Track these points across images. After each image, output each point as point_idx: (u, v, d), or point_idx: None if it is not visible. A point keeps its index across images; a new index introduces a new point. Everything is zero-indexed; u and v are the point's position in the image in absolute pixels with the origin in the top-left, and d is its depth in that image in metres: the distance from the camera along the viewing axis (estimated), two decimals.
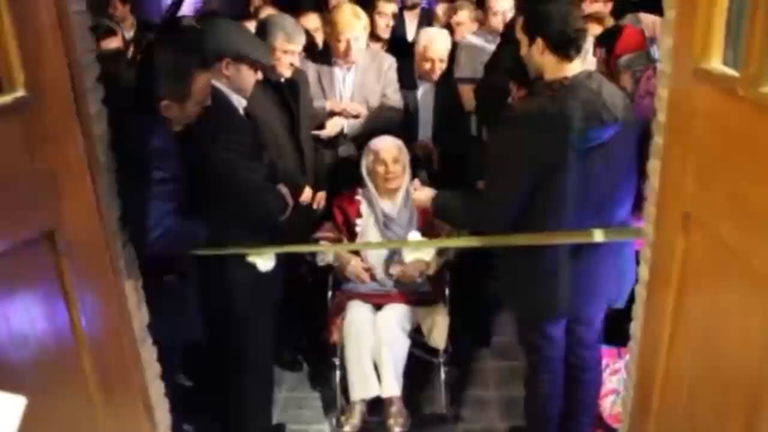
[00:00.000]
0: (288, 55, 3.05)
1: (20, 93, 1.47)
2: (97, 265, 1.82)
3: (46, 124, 1.58)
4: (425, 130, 3.75)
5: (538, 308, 2.52)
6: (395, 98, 3.64)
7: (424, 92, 3.78)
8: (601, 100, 2.20)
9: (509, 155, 2.28)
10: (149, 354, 2.15)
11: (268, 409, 3.05)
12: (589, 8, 3.93)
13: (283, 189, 2.70)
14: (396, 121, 3.59)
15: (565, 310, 2.50)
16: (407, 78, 3.72)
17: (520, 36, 2.34)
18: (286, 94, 3.15)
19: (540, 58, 2.27)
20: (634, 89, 3.19)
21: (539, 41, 2.24)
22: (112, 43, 3.90)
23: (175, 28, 3.90)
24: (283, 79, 3.11)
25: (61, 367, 1.69)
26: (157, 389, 2.19)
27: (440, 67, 3.68)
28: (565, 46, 2.22)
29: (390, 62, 3.67)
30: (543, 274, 2.40)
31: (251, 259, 2.54)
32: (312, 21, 3.87)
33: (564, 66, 2.25)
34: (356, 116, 3.51)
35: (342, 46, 3.43)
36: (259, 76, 2.68)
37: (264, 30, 3.01)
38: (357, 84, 3.54)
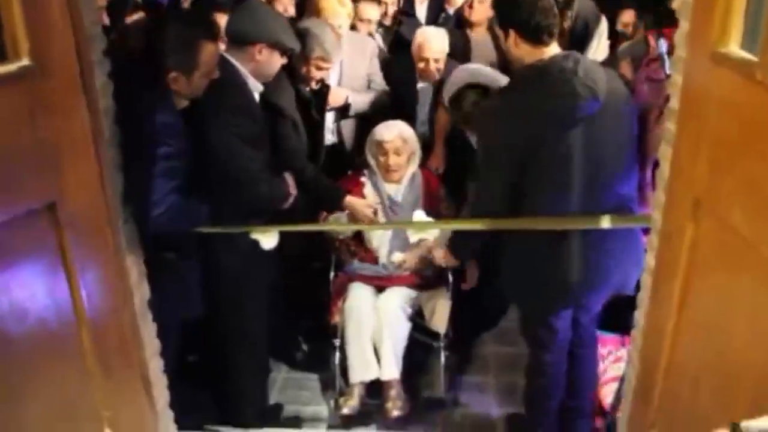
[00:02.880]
0: (320, 71, 3.02)
1: (25, 62, 1.46)
2: (99, 239, 1.81)
3: (50, 95, 1.56)
4: (422, 128, 3.64)
5: (546, 300, 2.49)
6: (381, 82, 3.61)
7: (422, 90, 3.67)
8: (578, 78, 2.17)
9: (490, 144, 2.32)
10: (149, 330, 2.14)
11: (263, 388, 3.06)
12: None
13: (289, 178, 2.68)
14: (385, 104, 3.56)
15: (572, 299, 2.49)
16: (407, 73, 3.63)
17: (498, 31, 2.35)
18: (311, 101, 3.13)
19: (516, 49, 2.27)
20: (633, 76, 3.17)
21: (512, 33, 2.25)
22: (138, 19, 3.88)
23: (205, 5, 3.85)
24: (308, 89, 3.08)
25: (61, 341, 1.68)
26: (156, 366, 2.19)
27: (436, 68, 3.53)
28: (536, 34, 2.21)
29: (372, 46, 3.63)
30: (550, 264, 2.37)
31: (254, 236, 2.53)
32: None
33: (540, 51, 2.25)
34: (344, 107, 3.45)
35: None
36: (284, 61, 2.65)
37: (302, 38, 2.88)
38: (343, 70, 3.48)
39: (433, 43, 3.50)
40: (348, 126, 3.59)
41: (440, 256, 2.85)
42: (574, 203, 2.26)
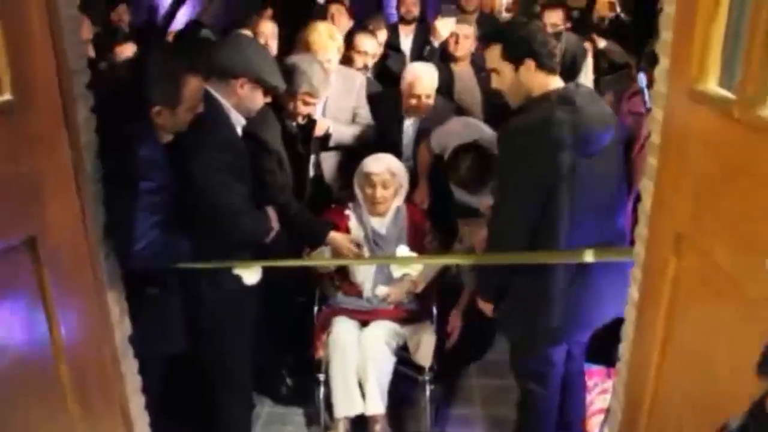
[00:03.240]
0: (307, 106, 3.01)
1: (6, 96, 1.45)
2: (80, 274, 1.79)
3: (32, 129, 1.55)
4: (407, 163, 3.62)
5: (546, 333, 2.45)
6: (367, 116, 3.63)
7: (408, 126, 3.69)
8: (597, 106, 2.24)
9: (516, 176, 2.27)
10: (130, 366, 2.10)
11: (248, 424, 3.01)
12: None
13: (271, 212, 2.66)
14: (370, 138, 3.59)
15: (573, 331, 2.48)
16: (393, 108, 3.65)
17: (500, 65, 2.33)
18: (297, 136, 3.12)
19: (531, 79, 2.29)
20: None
21: (528, 63, 2.26)
22: (127, 50, 3.89)
23: (191, 39, 3.86)
24: (294, 123, 3.08)
25: (39, 378, 1.65)
26: (137, 402, 2.15)
27: (427, 103, 3.56)
28: (552, 60, 2.27)
29: (361, 80, 3.65)
30: (552, 297, 2.35)
31: (237, 271, 2.51)
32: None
33: (551, 80, 2.29)
34: (324, 136, 3.45)
35: None
36: (269, 99, 2.65)
37: (290, 74, 2.90)
38: (328, 102, 3.49)
39: (425, 80, 3.54)
40: (329, 159, 3.58)
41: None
42: (590, 235, 2.26)
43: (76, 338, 1.74)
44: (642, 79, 2.92)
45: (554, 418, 2.67)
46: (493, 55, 2.35)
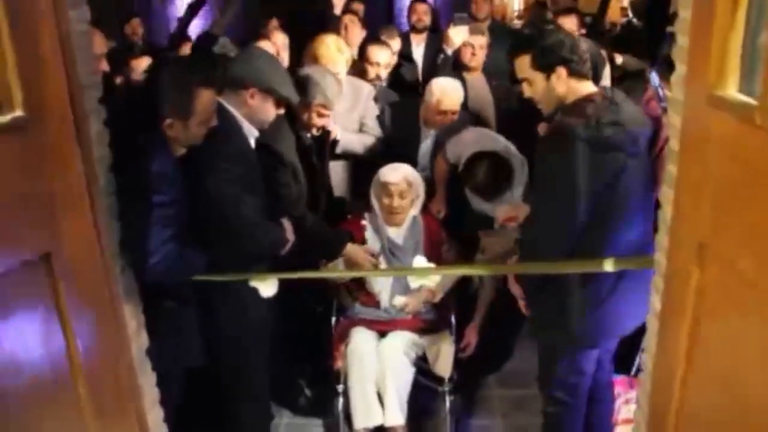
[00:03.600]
0: (322, 118, 3.00)
1: (18, 113, 1.45)
2: (95, 289, 1.79)
3: (45, 145, 1.55)
4: (423, 173, 3.61)
5: (583, 336, 2.40)
6: (374, 126, 3.64)
7: (425, 136, 3.70)
8: (635, 108, 2.22)
9: (564, 176, 2.19)
10: (148, 380, 2.10)
11: None
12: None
13: (287, 224, 2.66)
14: (378, 147, 3.60)
15: (608, 336, 2.43)
16: (412, 118, 3.66)
17: (531, 74, 2.31)
18: (312, 148, 3.11)
19: (564, 86, 2.26)
20: None
21: (560, 70, 2.24)
22: (143, 64, 3.93)
23: (204, 52, 3.88)
24: (309, 135, 3.07)
25: (56, 393, 1.65)
26: (155, 416, 2.14)
27: (452, 118, 3.59)
28: (584, 66, 2.25)
29: (368, 90, 3.65)
30: (593, 299, 2.31)
31: (253, 284, 2.50)
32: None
33: (583, 85, 2.27)
34: (332, 143, 3.44)
35: None
36: (281, 111, 2.64)
37: (304, 85, 2.90)
38: (335, 111, 3.45)
39: (453, 97, 3.57)
40: (336, 168, 3.58)
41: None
42: (632, 242, 2.23)
43: (92, 352, 1.73)
44: (654, 78, 2.89)
45: (581, 430, 2.62)
46: (523, 64, 2.33)
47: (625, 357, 2.45)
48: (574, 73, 2.24)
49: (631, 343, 2.41)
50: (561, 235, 2.24)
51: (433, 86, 3.63)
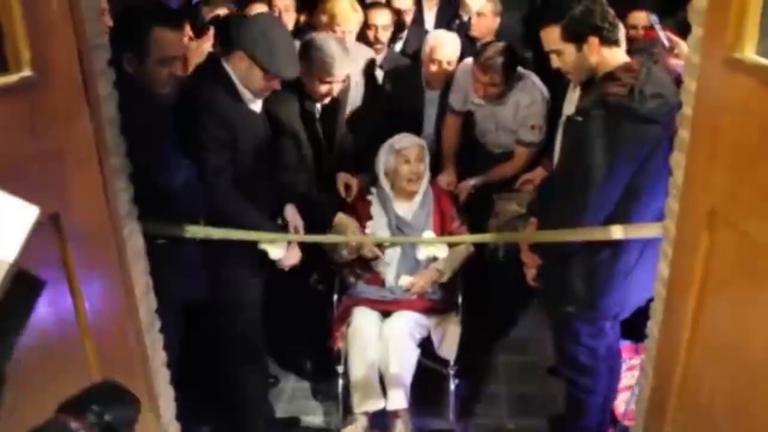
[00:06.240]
0: (325, 85, 2.89)
1: (26, 73, 1.43)
2: (104, 249, 1.78)
3: (53, 105, 1.54)
4: (428, 140, 3.50)
5: (609, 305, 2.39)
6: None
7: (430, 100, 3.60)
8: (669, 76, 2.16)
9: (606, 149, 2.13)
10: (155, 342, 2.12)
11: (264, 397, 3.01)
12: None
13: (290, 210, 2.69)
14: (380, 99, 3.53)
15: (632, 305, 2.41)
16: (413, 79, 3.57)
17: (561, 46, 2.26)
18: (317, 120, 3.03)
19: (596, 55, 2.22)
20: None
21: (591, 40, 2.19)
22: None
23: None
24: (319, 105, 2.99)
25: (63, 353, 1.65)
26: (162, 377, 2.16)
27: (447, 71, 3.45)
28: (615, 32, 2.21)
29: (365, 52, 3.52)
30: (625, 269, 2.31)
31: (262, 246, 2.50)
32: None
33: (616, 53, 2.23)
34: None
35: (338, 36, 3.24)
36: (277, 85, 2.54)
37: (307, 51, 2.81)
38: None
39: (446, 46, 3.43)
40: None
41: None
42: (658, 209, 2.13)
43: (100, 313, 1.74)
44: (655, 18, 2.84)
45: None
46: (552, 36, 2.28)
47: (635, 323, 2.44)
48: (606, 41, 2.19)
49: (640, 310, 2.40)
50: (596, 207, 2.21)
51: (428, 36, 3.58)
